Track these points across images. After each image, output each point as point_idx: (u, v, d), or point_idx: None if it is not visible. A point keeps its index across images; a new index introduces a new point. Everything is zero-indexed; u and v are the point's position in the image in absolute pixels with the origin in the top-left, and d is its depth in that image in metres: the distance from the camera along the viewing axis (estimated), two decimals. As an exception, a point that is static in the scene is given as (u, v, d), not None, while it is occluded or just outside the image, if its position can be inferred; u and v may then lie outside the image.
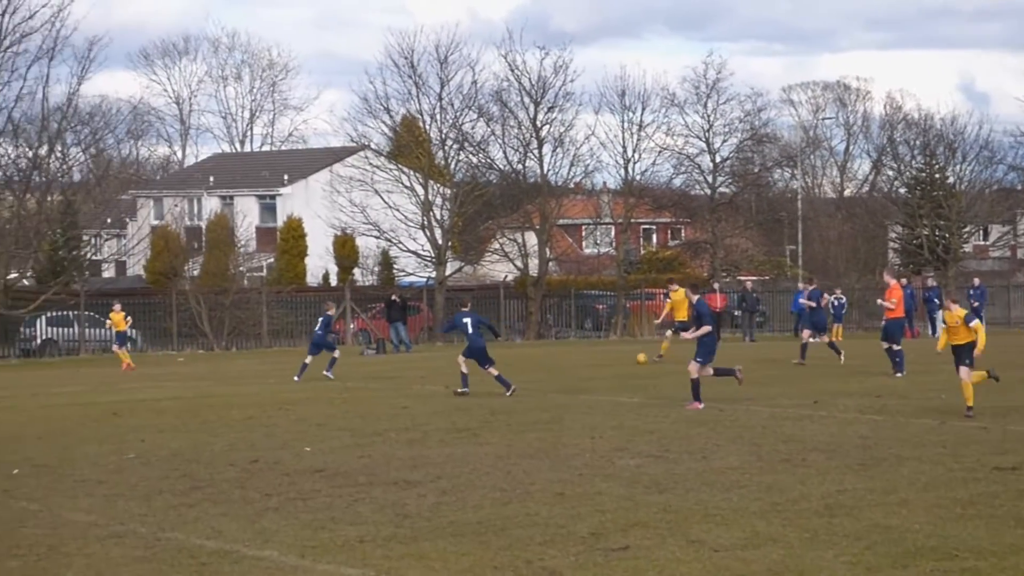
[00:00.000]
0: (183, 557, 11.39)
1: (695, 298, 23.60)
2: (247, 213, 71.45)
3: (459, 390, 25.88)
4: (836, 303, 51.55)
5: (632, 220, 68.82)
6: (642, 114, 65.72)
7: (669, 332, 36.42)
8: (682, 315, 32.98)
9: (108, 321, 44.03)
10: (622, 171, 66.70)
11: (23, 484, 15.73)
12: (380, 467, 16.39)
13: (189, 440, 19.85)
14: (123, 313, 42.01)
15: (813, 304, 35.46)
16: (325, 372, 31.37)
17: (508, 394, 25.39)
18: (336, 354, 32.15)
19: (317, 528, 12.51)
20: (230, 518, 13.16)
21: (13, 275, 58.02)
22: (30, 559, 11.44)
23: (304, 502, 14.00)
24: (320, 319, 33.54)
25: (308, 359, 32.12)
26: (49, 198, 58.80)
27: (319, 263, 67.50)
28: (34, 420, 24.03)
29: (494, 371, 26.13)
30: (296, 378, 31.41)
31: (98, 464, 17.30)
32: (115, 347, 42.08)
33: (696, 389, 22.65)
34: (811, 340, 33.92)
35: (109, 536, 12.38)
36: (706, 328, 22.88)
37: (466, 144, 63.88)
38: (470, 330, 26.43)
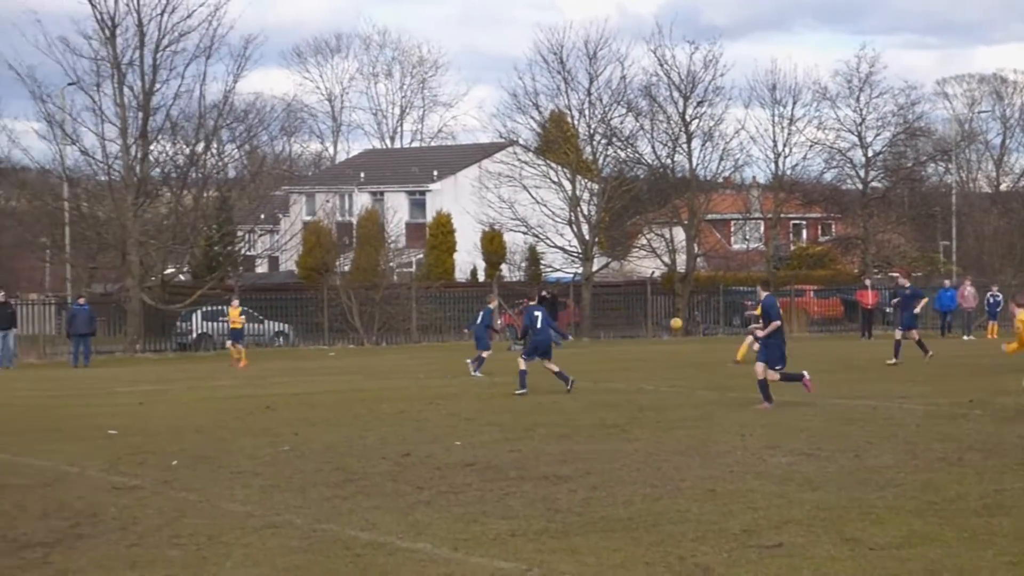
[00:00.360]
0: (338, 548, 11.55)
1: (764, 295, 23.15)
2: (397, 209, 72.22)
3: (568, 386, 25.85)
4: (991, 300, 50.56)
5: (782, 215, 68.19)
6: (793, 108, 65.18)
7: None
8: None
9: (225, 316, 44.65)
10: (772, 165, 66.19)
11: (182, 475, 16.08)
12: (530, 462, 16.45)
13: (341, 433, 20.13)
14: (240, 309, 42.39)
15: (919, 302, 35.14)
16: (473, 373, 31.46)
17: (519, 392, 25.56)
18: (485, 354, 32.12)
19: (469, 521, 12.60)
20: (383, 511, 13.32)
21: (170, 270, 59.34)
22: (190, 548, 11.70)
23: (456, 495, 14.11)
24: (481, 312, 33.53)
25: (484, 354, 32.08)
26: (205, 194, 60.02)
27: (467, 259, 67.92)
28: (191, 413, 24.56)
29: (524, 364, 26.16)
30: (474, 372, 31.52)
31: (254, 456, 17.62)
32: (229, 343, 42.47)
33: (764, 389, 22.36)
34: (907, 338, 33.23)
35: (266, 527, 12.60)
36: (774, 324, 22.48)
37: (614, 139, 63.79)
38: (539, 324, 26.51)
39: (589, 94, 61.92)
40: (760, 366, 22.54)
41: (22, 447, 19.23)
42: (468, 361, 32.28)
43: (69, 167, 57.17)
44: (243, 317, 43.04)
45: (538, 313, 26.88)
